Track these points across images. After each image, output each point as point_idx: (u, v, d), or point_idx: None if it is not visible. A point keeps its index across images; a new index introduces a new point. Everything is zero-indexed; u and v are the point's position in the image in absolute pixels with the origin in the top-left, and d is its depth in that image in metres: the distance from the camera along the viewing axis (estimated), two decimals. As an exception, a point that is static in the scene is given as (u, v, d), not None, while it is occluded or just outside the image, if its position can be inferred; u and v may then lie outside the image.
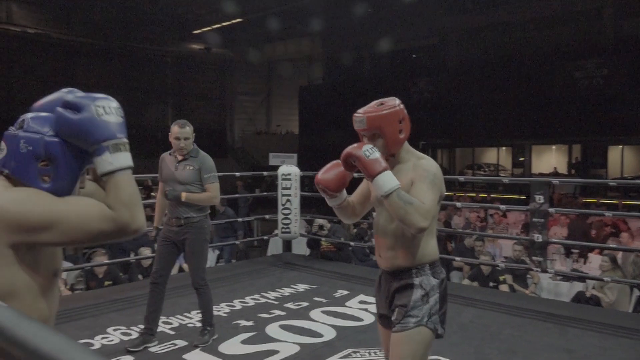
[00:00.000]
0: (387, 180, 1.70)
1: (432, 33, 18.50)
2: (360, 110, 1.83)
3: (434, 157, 22.11)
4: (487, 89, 15.73)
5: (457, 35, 18.09)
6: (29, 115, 1.19)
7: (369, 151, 1.73)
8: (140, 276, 5.65)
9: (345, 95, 19.26)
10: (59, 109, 1.14)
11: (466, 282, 5.60)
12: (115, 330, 3.60)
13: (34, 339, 0.61)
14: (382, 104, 1.84)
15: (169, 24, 20.91)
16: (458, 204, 6.54)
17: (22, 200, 1.10)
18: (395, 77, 18.79)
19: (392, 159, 1.89)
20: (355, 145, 1.78)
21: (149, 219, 8.15)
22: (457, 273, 6.45)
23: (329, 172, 1.93)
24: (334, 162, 1.95)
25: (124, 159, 1.14)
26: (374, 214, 1.99)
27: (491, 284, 5.32)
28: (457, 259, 5.51)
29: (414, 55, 19.84)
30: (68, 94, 1.19)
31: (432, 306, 1.80)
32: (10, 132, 1.18)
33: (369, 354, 3.21)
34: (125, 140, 1.15)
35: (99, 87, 21.65)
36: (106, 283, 5.11)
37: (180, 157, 3.35)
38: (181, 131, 3.31)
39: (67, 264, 5.71)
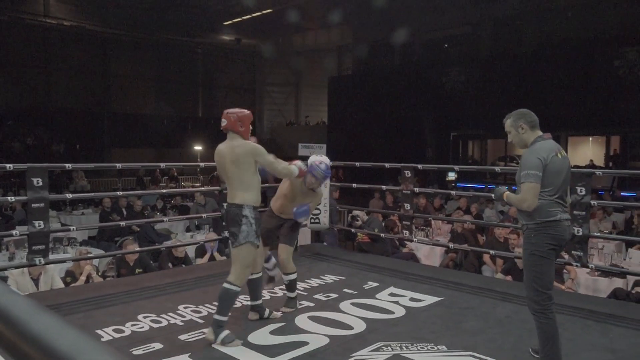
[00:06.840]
0: None
1: (465, 22, 18.06)
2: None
3: (465, 149, 21.66)
4: (520, 79, 15.26)
5: (489, 24, 17.61)
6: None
7: None
8: (170, 264, 5.70)
9: (375, 85, 19.04)
10: None
11: (500, 276, 5.44)
12: (145, 317, 3.61)
13: (48, 334, 0.55)
14: None
15: (200, 15, 21.00)
16: (493, 195, 6.28)
17: None
18: (426, 67, 18.45)
19: None
20: None
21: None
22: (487, 267, 6.30)
23: None
24: None
25: None
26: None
27: (526, 278, 5.14)
28: (492, 252, 5.33)
29: (446, 45, 19.44)
30: None
31: None
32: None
33: (400, 347, 3.12)
34: None
35: (131, 77, 22.03)
36: (137, 271, 5.16)
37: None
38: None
39: (99, 251, 5.80)
